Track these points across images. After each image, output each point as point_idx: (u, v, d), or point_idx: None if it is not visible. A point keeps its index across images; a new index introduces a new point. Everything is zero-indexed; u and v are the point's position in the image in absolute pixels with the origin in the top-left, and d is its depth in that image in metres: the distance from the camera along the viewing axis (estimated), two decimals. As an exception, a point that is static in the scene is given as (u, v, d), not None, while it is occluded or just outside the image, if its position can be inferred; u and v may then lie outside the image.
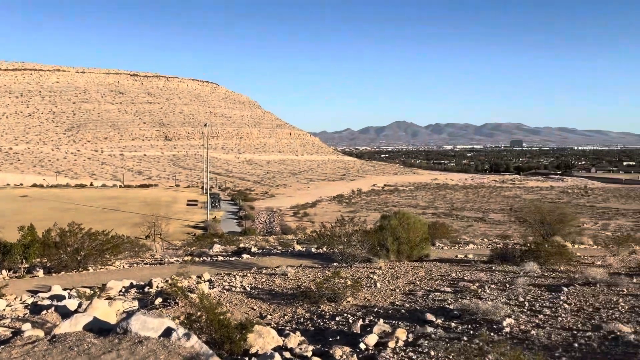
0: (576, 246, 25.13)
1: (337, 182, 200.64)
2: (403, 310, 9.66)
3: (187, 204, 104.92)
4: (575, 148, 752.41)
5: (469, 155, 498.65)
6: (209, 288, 12.44)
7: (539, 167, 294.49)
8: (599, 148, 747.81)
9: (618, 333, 7.16)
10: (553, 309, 8.96)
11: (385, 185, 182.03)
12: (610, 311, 8.66)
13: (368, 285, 12.29)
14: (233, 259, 20.47)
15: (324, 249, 22.02)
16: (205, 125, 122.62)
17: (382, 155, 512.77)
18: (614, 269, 13.83)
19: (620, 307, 8.90)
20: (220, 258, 21.21)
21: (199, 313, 7.92)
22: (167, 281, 13.57)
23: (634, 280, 11.58)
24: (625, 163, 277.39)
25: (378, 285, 12.28)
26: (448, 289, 11.49)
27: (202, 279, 14.12)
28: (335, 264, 16.52)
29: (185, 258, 21.63)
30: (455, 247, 26.84)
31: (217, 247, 28.06)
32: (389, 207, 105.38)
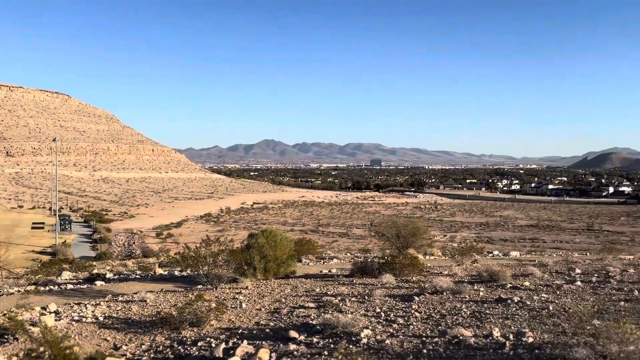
0: (427, 257, 27.30)
1: (204, 200, 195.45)
2: (268, 330, 9.63)
3: (32, 227, 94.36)
4: (427, 167, 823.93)
5: (333, 173, 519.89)
6: (55, 320, 11.22)
7: (396, 184, 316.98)
8: (446, 167, 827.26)
9: (461, 337, 7.89)
10: (405, 318, 9.61)
11: (254, 203, 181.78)
12: (455, 317, 9.53)
13: (233, 306, 12.06)
14: (85, 286, 18.75)
15: (189, 271, 21.20)
16: (54, 140, 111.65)
17: (252, 173, 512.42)
18: (459, 278, 15.28)
19: (462, 313, 9.83)
20: (70, 286, 19.30)
21: (41, 348, 7.09)
22: (4, 314, 11.98)
23: (475, 287, 12.90)
24: (468, 181, 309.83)
25: (244, 305, 12.12)
26: (312, 305, 11.72)
27: (48, 310, 12.70)
28: (200, 286, 15.98)
29: (28, 288, 19.30)
30: (321, 262, 27.57)
31: (66, 275, 25.48)
32: (259, 225, 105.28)
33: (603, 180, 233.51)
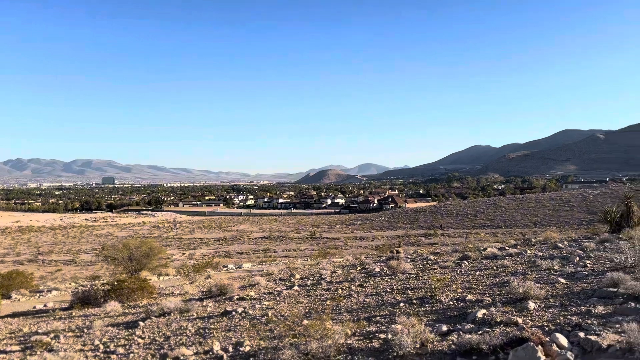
0: (161, 278, 26.52)
1: None
2: (-52, 389, 7.84)
3: None
4: (165, 184, 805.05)
5: (57, 193, 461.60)
6: None
7: (132, 203, 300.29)
8: (185, 184, 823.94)
9: (182, 357, 7.81)
10: (127, 347, 9.05)
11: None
12: (179, 337, 9.40)
13: None
14: None
15: None
16: None
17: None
18: (190, 296, 15.22)
19: (188, 332, 9.78)
20: None
21: None
22: None
23: (204, 304, 13.02)
24: (207, 197, 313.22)
25: None
26: (16, 348, 10.06)
27: None
28: None
29: None
30: (36, 296, 24.03)
31: None
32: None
33: (322, 194, 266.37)
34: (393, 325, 7.97)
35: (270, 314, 10.46)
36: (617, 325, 6.61)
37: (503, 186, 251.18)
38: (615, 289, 8.63)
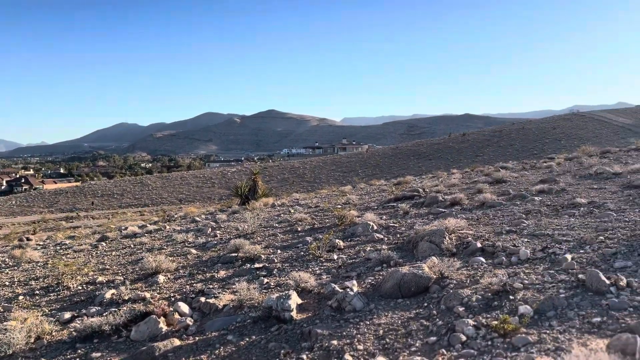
0: None
1: None
2: None
3: None
4: None
5: None
6: None
7: None
8: None
9: None
10: None
11: None
12: None
13: None
14: None
15: None
16: None
17: None
18: None
19: None
20: None
21: None
22: None
23: None
24: None
25: None
26: None
27: None
28: None
29: None
30: None
31: None
32: None
33: None
34: (6, 323, 6.84)
35: None
36: (234, 286, 7.38)
37: (150, 165, 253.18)
38: (236, 254, 9.66)
